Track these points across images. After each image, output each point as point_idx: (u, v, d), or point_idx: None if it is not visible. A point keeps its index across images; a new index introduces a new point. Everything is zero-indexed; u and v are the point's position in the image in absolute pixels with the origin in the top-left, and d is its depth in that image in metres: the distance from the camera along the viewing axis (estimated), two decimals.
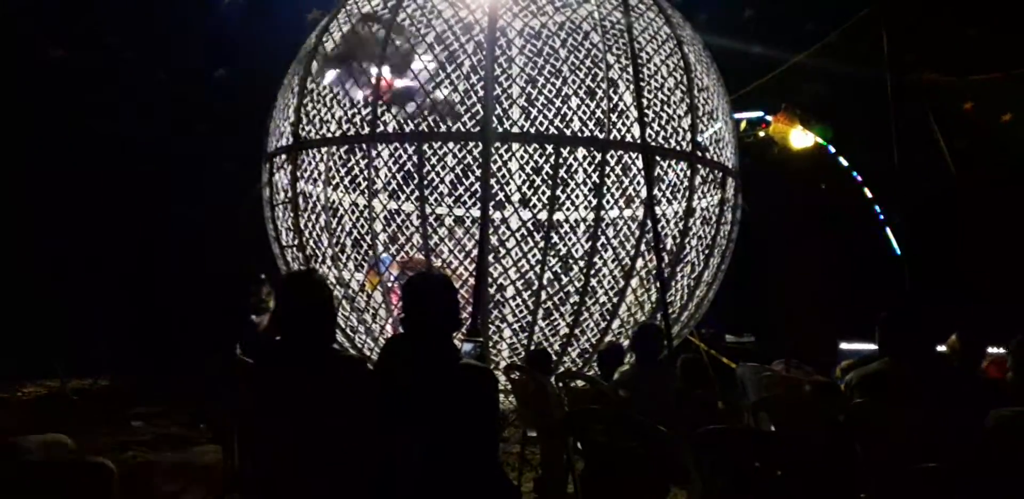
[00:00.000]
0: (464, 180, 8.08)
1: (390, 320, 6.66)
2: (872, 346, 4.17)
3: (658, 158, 6.84)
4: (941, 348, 4.77)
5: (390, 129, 6.95)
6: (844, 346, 10.02)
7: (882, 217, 11.37)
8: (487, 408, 2.52)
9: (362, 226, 6.89)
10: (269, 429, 2.38)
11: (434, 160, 7.91)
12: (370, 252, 6.90)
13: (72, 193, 10.20)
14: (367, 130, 6.51)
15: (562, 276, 7.07)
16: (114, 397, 8.68)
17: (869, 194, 11.45)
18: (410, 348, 2.51)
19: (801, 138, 10.46)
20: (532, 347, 6.67)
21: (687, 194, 6.80)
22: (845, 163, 11.43)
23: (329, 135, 6.74)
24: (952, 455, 3.22)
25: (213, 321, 7.21)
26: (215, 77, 10.94)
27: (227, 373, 3.51)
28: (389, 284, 6.73)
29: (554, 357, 6.41)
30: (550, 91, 7.48)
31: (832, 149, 11.14)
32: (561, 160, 6.78)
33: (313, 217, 6.89)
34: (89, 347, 9.35)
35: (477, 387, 2.48)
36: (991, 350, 5.98)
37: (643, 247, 6.70)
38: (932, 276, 10.35)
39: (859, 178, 11.52)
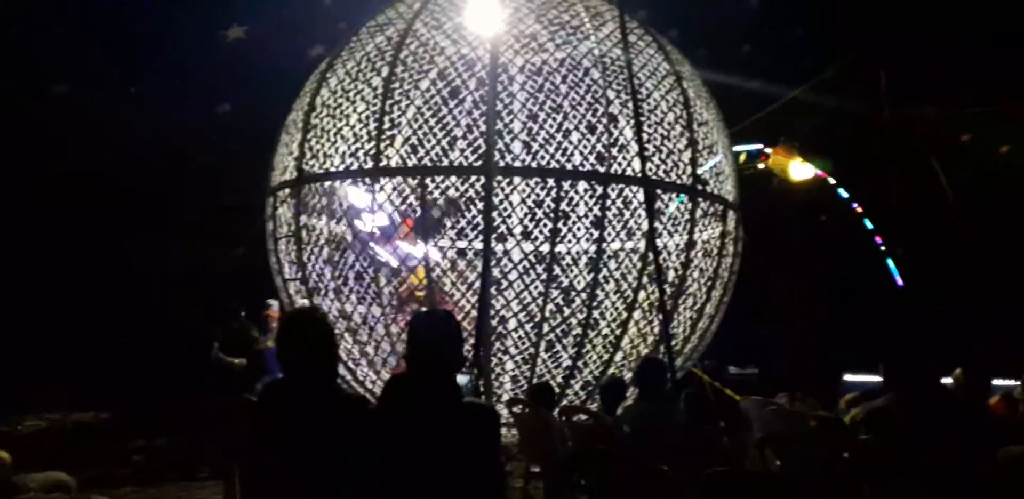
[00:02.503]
0: (466, 213, 8.12)
1: (392, 354, 6.65)
2: (876, 378, 4.16)
3: (659, 191, 6.88)
4: (947, 380, 4.75)
5: (393, 163, 7.01)
6: (848, 377, 9.98)
7: (883, 248, 11.40)
8: (489, 446, 2.51)
9: (365, 259, 6.91)
10: (269, 469, 2.37)
11: (436, 194, 7.96)
12: (373, 284, 6.91)
13: (71, 228, 10.25)
14: (370, 164, 6.57)
15: (564, 308, 7.06)
16: (116, 431, 8.63)
17: (870, 225, 11.49)
18: (413, 387, 2.51)
19: (801, 170, 10.53)
20: (534, 380, 6.63)
21: (688, 227, 6.83)
22: (845, 194, 11.50)
23: (332, 169, 6.80)
24: (958, 492, 3.20)
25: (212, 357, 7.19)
26: (219, 113, 11.06)
27: (229, 410, 3.50)
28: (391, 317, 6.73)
29: (557, 390, 6.37)
30: (551, 126, 7.55)
31: (832, 180, 11.21)
32: (562, 193, 6.82)
33: (316, 250, 6.92)
34: (90, 380, 9.31)
35: (478, 425, 2.47)
36: (997, 382, 5.95)
37: (645, 279, 6.71)
38: (935, 307, 10.34)
39: (859, 209, 11.57)
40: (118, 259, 10.51)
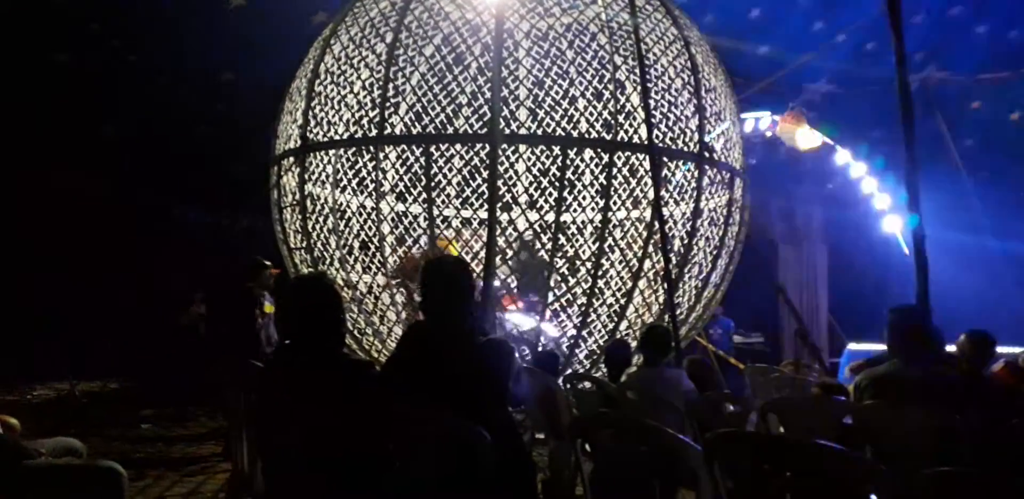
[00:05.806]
0: (471, 182, 8.09)
1: (403, 316, 6.68)
2: (881, 347, 4.15)
3: (665, 159, 6.82)
4: (951, 348, 4.75)
5: (397, 131, 6.97)
6: (852, 346, 10.01)
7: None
8: (508, 376, 2.58)
9: (370, 228, 6.90)
10: (277, 433, 2.39)
11: (441, 162, 7.92)
12: (378, 254, 6.91)
13: (75, 196, 10.25)
14: (374, 132, 6.53)
15: (569, 278, 7.06)
16: (123, 399, 8.73)
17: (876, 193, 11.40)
18: (431, 332, 2.54)
19: (808, 138, 10.43)
20: (539, 348, 6.66)
21: (695, 195, 6.78)
22: (852, 162, 11.39)
23: (337, 138, 6.75)
24: (959, 457, 3.21)
25: (219, 323, 7.23)
26: (222, 81, 10.97)
27: (234, 375, 3.51)
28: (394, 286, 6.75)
29: (562, 359, 6.40)
30: (557, 93, 7.47)
31: (839, 149, 11.10)
32: (568, 162, 6.77)
33: (321, 219, 6.91)
34: (97, 350, 9.40)
35: (501, 359, 2.54)
36: (1001, 349, 5.94)
37: (651, 248, 6.69)
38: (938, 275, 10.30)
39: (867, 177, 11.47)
40: (128, 229, 10.53)
